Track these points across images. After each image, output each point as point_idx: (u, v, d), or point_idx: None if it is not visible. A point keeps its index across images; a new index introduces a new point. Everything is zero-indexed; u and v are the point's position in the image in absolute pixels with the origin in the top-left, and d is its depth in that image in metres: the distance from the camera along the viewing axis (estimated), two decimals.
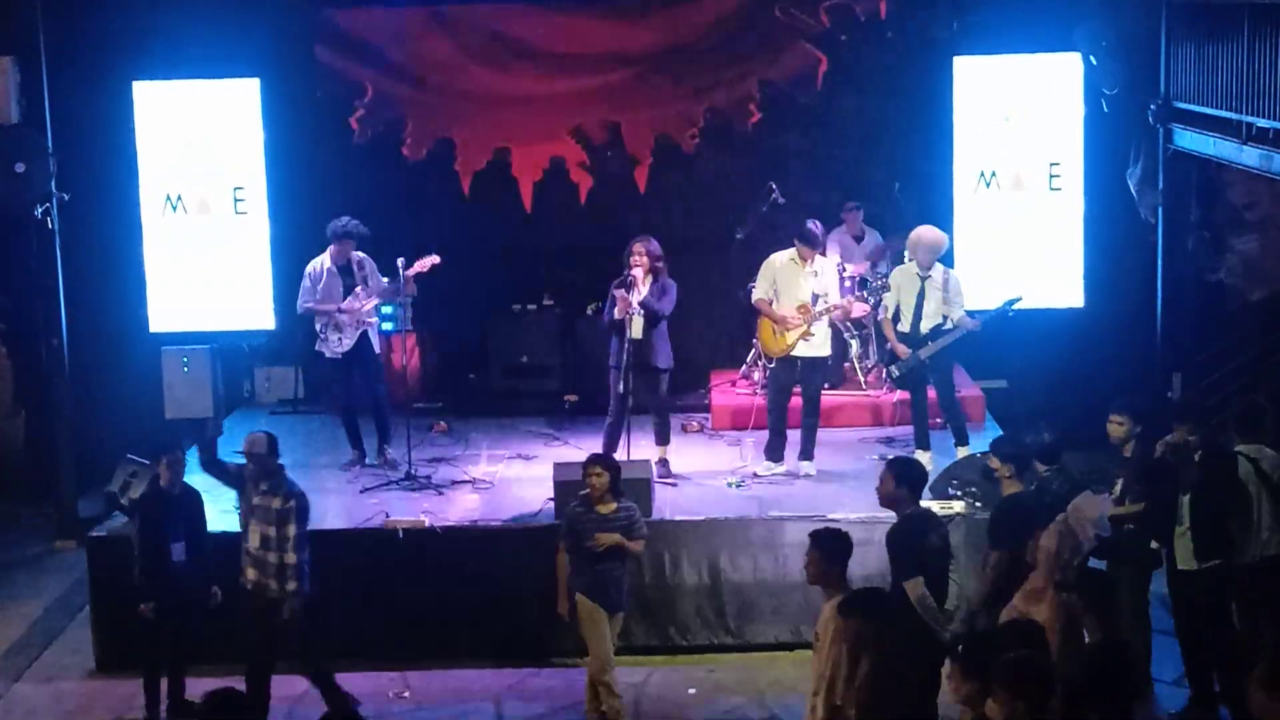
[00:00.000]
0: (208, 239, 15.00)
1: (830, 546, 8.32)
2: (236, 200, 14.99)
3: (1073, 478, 9.80)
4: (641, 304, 12.06)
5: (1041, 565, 8.72)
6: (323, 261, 12.79)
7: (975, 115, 14.68)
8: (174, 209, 14.95)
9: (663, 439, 12.54)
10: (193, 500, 10.55)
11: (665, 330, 12.29)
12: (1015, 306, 12.18)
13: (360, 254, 12.82)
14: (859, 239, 14.56)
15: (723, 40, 15.24)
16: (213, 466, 10.69)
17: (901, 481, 9.04)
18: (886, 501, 9.10)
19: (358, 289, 12.71)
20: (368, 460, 13.04)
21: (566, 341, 15.04)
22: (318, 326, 12.83)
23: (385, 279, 12.90)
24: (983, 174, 14.69)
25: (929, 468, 12.15)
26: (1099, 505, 9.06)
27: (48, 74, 13.63)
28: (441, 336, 15.36)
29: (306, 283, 12.82)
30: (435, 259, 12.70)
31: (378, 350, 13.04)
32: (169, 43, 14.62)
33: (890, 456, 10.13)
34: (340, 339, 12.73)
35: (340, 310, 12.64)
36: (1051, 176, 14.64)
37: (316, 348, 12.94)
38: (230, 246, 15.01)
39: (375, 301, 12.85)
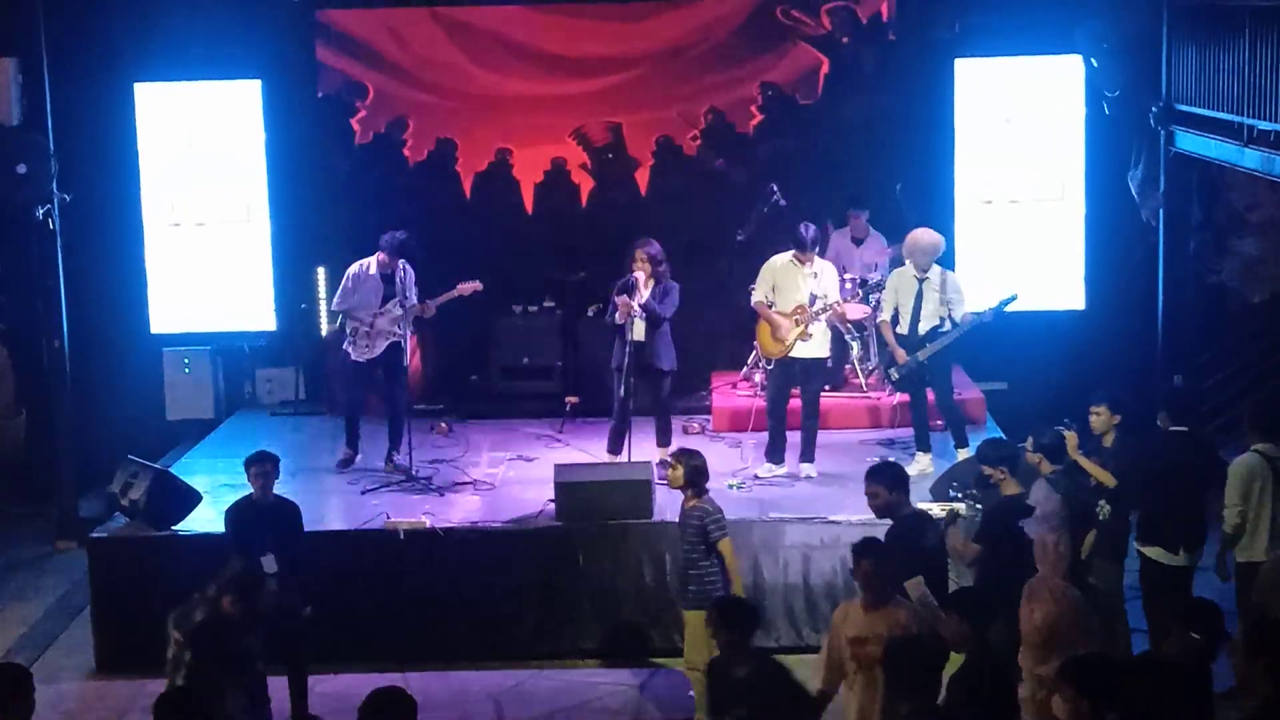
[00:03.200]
0: (209, 240, 15.03)
1: (883, 554, 8.23)
2: (237, 202, 15.01)
3: (1076, 478, 9.83)
4: (643, 306, 12.08)
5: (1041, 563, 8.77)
6: (368, 265, 12.77)
7: (976, 117, 14.70)
8: (175, 211, 14.97)
9: (664, 440, 12.54)
10: (285, 511, 10.29)
11: (668, 332, 12.30)
12: (1009, 307, 12.15)
13: (401, 263, 12.78)
14: (859, 241, 14.54)
15: (724, 42, 15.28)
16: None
17: (892, 487, 9.12)
18: (884, 511, 9.13)
19: (397, 298, 12.65)
20: (357, 460, 13.00)
21: (567, 343, 15.03)
22: (348, 329, 12.82)
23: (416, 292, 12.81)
24: (984, 176, 14.71)
25: (929, 470, 12.19)
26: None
27: (49, 75, 13.63)
28: (443, 338, 15.34)
29: (347, 284, 12.80)
30: (477, 285, 12.72)
31: (407, 360, 12.97)
32: (170, 44, 14.65)
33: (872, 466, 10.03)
34: (371, 346, 12.72)
35: (371, 324, 12.62)
36: (1053, 179, 14.66)
37: (344, 346, 12.94)
38: (231, 248, 15.04)
39: (403, 315, 12.73)
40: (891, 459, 12.64)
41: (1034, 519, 9.06)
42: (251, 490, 10.23)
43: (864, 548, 8.18)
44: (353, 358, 12.86)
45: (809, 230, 12.32)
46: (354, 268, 12.84)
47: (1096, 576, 9.76)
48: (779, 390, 12.52)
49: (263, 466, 10.16)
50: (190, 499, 11.71)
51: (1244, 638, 6.48)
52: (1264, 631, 6.46)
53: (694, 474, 9.79)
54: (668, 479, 10.05)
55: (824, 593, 11.19)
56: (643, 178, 15.50)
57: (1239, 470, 9.72)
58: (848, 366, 14.23)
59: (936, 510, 11.18)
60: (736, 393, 14.37)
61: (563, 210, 15.57)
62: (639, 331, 12.12)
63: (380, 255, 12.72)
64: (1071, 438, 10.01)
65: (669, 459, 10.09)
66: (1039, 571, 8.79)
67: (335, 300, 12.99)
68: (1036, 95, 14.63)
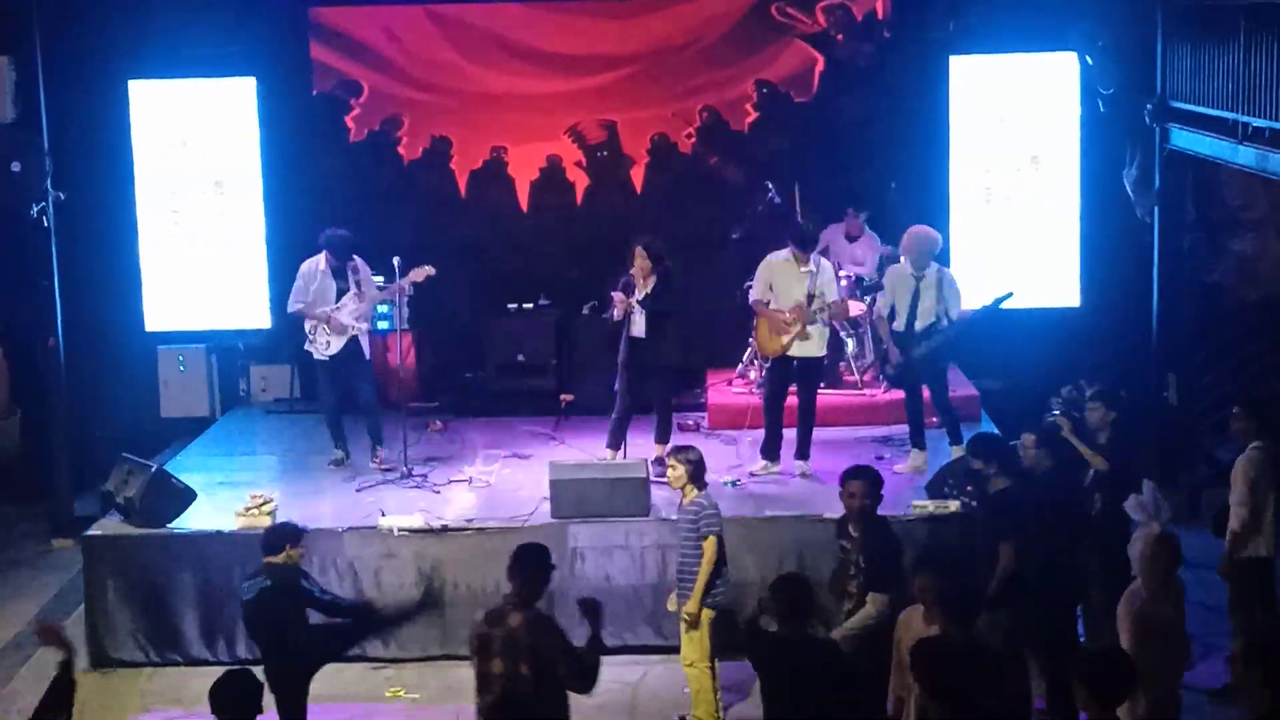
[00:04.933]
0: (203, 238, 15.02)
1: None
2: (232, 199, 15.01)
3: (1070, 475, 9.88)
4: (640, 303, 12.08)
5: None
6: (317, 263, 12.75)
7: (971, 115, 14.71)
8: (170, 208, 14.97)
9: (662, 437, 12.52)
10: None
11: (671, 328, 12.27)
12: (1005, 304, 12.16)
13: (356, 259, 12.75)
14: (853, 239, 14.55)
15: (719, 40, 15.29)
16: None
17: (876, 488, 9.12)
18: (861, 513, 9.12)
19: (351, 293, 12.65)
20: (349, 460, 12.97)
21: (563, 341, 15.02)
22: (307, 328, 12.80)
23: (380, 278, 12.85)
24: (979, 174, 14.72)
25: (924, 467, 12.20)
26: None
27: (44, 73, 13.62)
28: (438, 336, 15.35)
29: (299, 283, 12.77)
30: (430, 270, 12.67)
31: (368, 355, 12.95)
32: (165, 42, 14.65)
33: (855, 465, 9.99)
34: (329, 343, 12.70)
35: (329, 319, 12.60)
36: (1048, 176, 14.67)
37: (305, 348, 12.92)
38: (226, 245, 15.03)
39: (365, 308, 12.75)
40: (886, 456, 12.77)
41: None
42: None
43: (921, 562, 8.20)
44: (315, 357, 12.84)
45: (810, 227, 12.32)
46: (305, 266, 12.80)
47: (1094, 573, 9.79)
48: (776, 388, 12.52)
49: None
50: (185, 497, 11.69)
51: (1241, 647, 6.49)
52: (1260, 641, 6.47)
53: (695, 470, 9.81)
54: (668, 479, 10.01)
55: (820, 591, 11.15)
56: (638, 176, 15.51)
57: (1244, 468, 9.75)
58: (843, 364, 14.24)
59: (931, 508, 11.22)
60: (732, 390, 14.38)
61: (558, 208, 15.58)
62: (638, 328, 12.13)
63: (325, 252, 12.70)
64: (1064, 422, 10.07)
65: (667, 458, 10.06)
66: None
67: (290, 300, 12.88)
68: (1031, 93, 14.64)
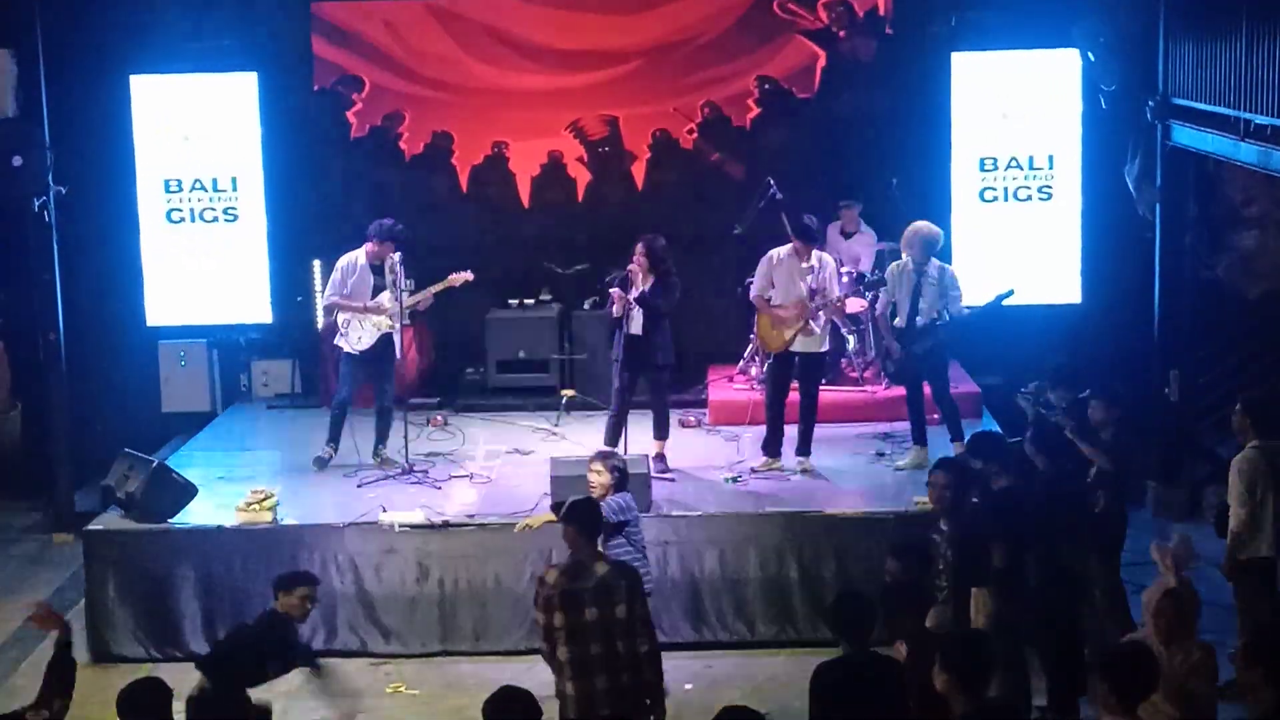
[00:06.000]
0: (205, 233, 15.02)
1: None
2: (234, 194, 15.00)
3: (1069, 466, 9.91)
4: (638, 300, 12.07)
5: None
6: (357, 258, 12.70)
7: (973, 111, 14.70)
8: (171, 203, 14.96)
9: (661, 434, 12.53)
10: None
11: (666, 326, 12.28)
12: (1006, 301, 12.16)
13: (395, 257, 12.67)
14: (849, 235, 14.55)
15: (721, 36, 15.29)
16: None
17: (961, 478, 9.12)
18: (952, 506, 9.03)
19: (388, 289, 12.58)
20: (333, 459, 12.90)
21: (563, 337, 15.02)
22: (339, 321, 12.76)
23: (412, 283, 12.72)
24: (980, 170, 14.72)
25: (925, 464, 12.16)
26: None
27: (45, 67, 13.62)
28: (439, 331, 15.34)
29: (337, 276, 12.70)
30: (468, 275, 12.68)
31: (399, 354, 12.81)
32: (166, 37, 14.66)
33: (943, 459, 9.94)
34: (360, 337, 12.66)
35: (365, 310, 12.57)
36: (1049, 173, 14.67)
37: (336, 340, 12.88)
38: (227, 241, 15.03)
39: (398, 307, 12.68)
40: (887, 452, 12.78)
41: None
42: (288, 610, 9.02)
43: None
44: (345, 350, 12.82)
45: (814, 222, 12.33)
46: (344, 260, 12.78)
47: (1095, 571, 9.78)
48: (777, 384, 12.51)
49: (311, 589, 9.11)
50: (186, 492, 11.70)
51: (1242, 647, 6.48)
52: (1262, 640, 6.47)
53: (622, 479, 9.60)
54: (593, 484, 9.56)
55: (820, 587, 11.16)
56: (639, 171, 15.51)
57: (1242, 467, 9.71)
58: (844, 360, 14.24)
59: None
60: (733, 386, 14.38)
61: (559, 204, 15.58)
62: (636, 325, 12.12)
63: (369, 245, 12.65)
64: (1067, 420, 10.10)
65: (592, 464, 9.70)
66: None
67: (326, 293, 12.91)
68: (1033, 89, 14.63)
